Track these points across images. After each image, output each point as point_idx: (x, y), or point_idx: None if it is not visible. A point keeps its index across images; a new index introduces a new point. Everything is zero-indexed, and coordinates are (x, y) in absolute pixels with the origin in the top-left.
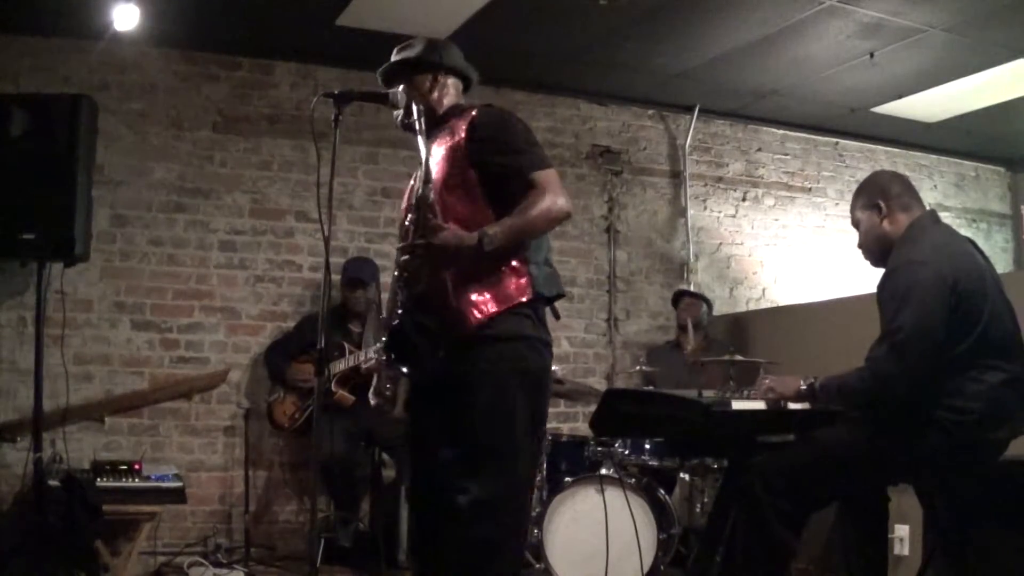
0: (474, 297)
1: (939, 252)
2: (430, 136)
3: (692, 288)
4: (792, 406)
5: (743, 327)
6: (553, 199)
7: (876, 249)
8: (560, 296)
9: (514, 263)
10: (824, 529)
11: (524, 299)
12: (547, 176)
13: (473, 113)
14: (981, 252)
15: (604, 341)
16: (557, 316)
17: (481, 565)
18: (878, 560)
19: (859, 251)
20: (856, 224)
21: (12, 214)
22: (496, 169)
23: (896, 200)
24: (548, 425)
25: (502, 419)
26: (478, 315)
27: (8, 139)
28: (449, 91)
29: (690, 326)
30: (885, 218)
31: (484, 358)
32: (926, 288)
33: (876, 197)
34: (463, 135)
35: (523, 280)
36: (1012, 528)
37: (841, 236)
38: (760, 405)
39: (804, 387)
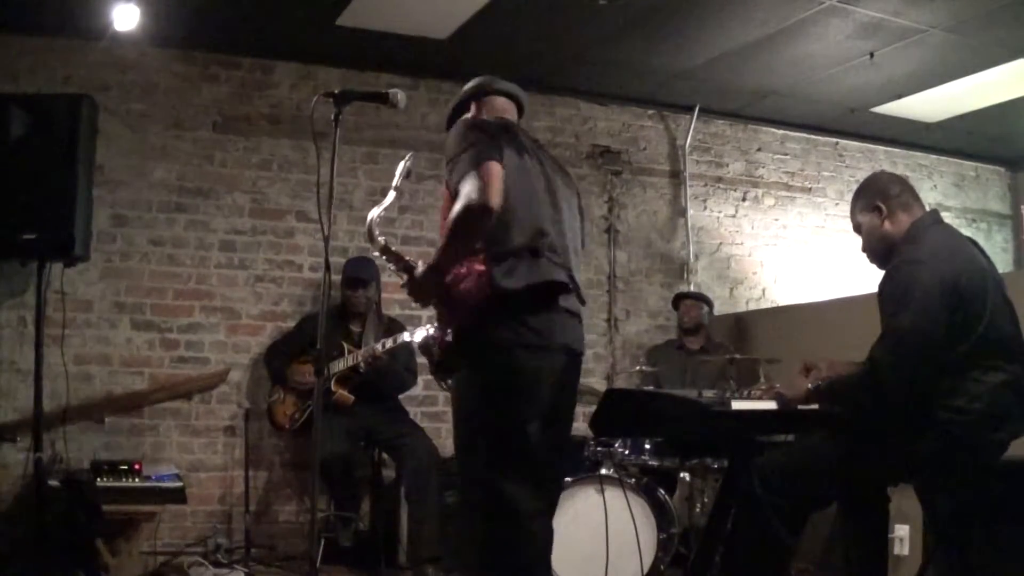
0: (448, 314)
1: (939, 252)
2: None
3: (692, 289)
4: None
5: (743, 327)
6: (461, 202)
7: (880, 250)
8: (541, 284)
9: (476, 266)
10: (824, 529)
11: (481, 298)
12: (466, 181)
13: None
14: (983, 252)
15: (604, 341)
16: (582, 302)
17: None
18: (878, 561)
19: (863, 255)
20: (857, 228)
21: (12, 214)
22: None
23: (896, 200)
24: None
25: (457, 421)
26: (451, 331)
27: (8, 139)
28: (494, 109)
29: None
30: (886, 219)
31: (463, 364)
32: (925, 288)
33: (876, 199)
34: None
35: (478, 280)
36: (1012, 528)
37: (841, 236)
38: (760, 405)
39: (811, 389)
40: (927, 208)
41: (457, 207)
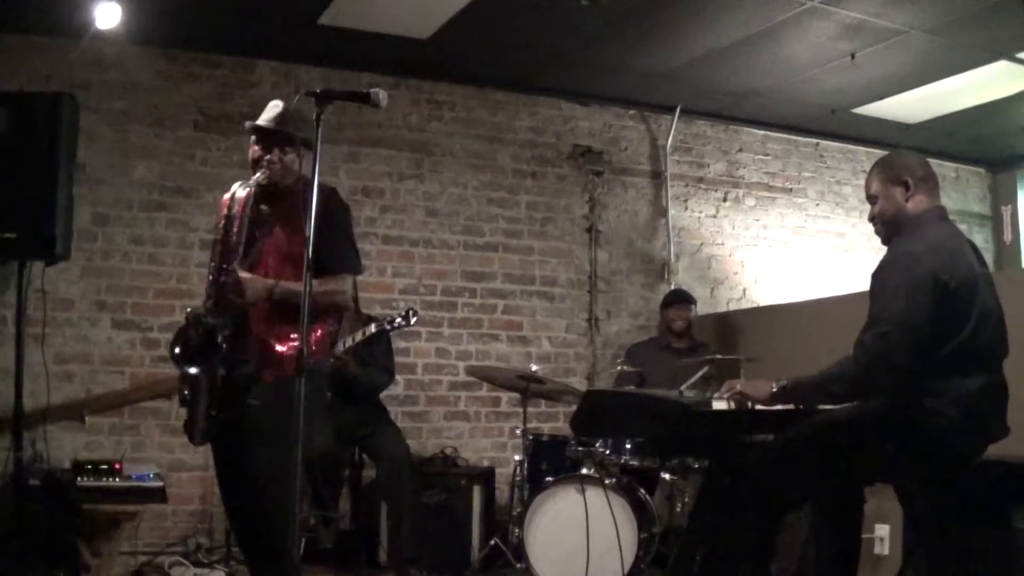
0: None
1: (936, 248)
2: (276, 203)
3: (672, 287)
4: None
5: (724, 327)
6: (342, 293)
7: (892, 223)
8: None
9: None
10: (806, 529)
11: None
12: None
13: (326, 192)
14: (979, 256)
15: (585, 341)
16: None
17: None
18: (849, 560)
19: (871, 224)
20: (872, 198)
21: None
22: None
23: (922, 183)
24: (529, 425)
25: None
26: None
27: None
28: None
29: None
30: (911, 197)
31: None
32: (917, 282)
33: (904, 174)
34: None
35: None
36: (991, 527)
37: (821, 236)
38: (722, 406)
39: (776, 390)
40: (940, 202)
41: (340, 289)
